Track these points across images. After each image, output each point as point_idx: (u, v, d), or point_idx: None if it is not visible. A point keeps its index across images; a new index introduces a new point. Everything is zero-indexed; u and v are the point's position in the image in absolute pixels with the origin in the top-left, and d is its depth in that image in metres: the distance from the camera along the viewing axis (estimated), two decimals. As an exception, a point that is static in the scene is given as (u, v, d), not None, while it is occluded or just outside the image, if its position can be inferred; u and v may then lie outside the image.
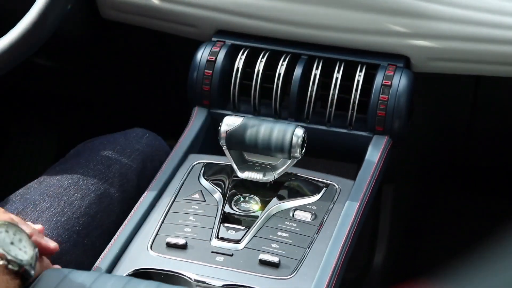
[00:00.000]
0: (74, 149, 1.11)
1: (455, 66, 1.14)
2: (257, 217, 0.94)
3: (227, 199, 0.97)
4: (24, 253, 0.72)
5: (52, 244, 0.83)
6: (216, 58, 1.14)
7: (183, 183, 1.01)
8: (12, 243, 0.71)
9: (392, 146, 1.09)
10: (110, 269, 0.89)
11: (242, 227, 0.93)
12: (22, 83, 1.53)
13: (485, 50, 1.11)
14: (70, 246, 0.93)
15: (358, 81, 1.10)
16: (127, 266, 0.89)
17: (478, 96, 1.22)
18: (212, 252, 0.90)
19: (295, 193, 0.99)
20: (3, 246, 0.69)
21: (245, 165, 1.00)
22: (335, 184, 1.00)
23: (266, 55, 1.14)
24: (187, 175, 1.02)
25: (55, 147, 1.62)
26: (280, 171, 0.99)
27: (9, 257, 0.69)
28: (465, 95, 1.23)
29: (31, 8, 1.03)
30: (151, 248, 0.91)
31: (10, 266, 0.69)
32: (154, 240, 0.92)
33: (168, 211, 0.96)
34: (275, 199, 0.97)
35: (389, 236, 1.41)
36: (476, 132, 1.30)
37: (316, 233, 0.93)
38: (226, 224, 0.94)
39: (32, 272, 0.71)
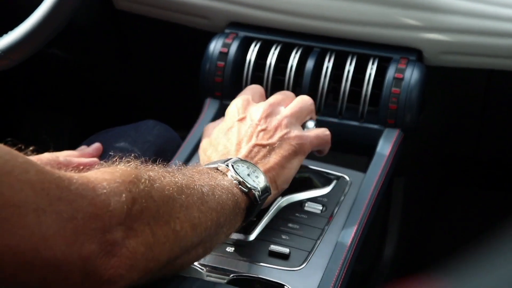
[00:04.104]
0: (86, 140, 1.11)
1: (467, 59, 1.14)
2: (268, 208, 0.95)
3: (238, 190, 0.98)
4: (256, 184, 0.84)
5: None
6: (228, 50, 1.14)
7: (195, 174, 1.01)
8: (248, 175, 0.84)
9: (404, 139, 1.09)
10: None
11: (253, 218, 0.93)
12: (36, 73, 1.54)
13: (498, 44, 1.11)
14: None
15: (370, 74, 1.10)
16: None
17: (490, 90, 1.22)
18: (223, 242, 0.90)
19: (306, 185, 0.99)
20: (240, 174, 0.83)
21: (257, 157, 1.00)
22: (346, 177, 1.01)
23: (279, 47, 1.14)
24: (199, 166, 1.02)
25: (68, 138, 1.63)
26: (291, 163, 0.99)
27: (241, 180, 0.82)
28: (477, 89, 1.22)
29: (45, -1, 1.03)
30: (162, 238, 0.92)
31: (240, 186, 0.82)
32: (165, 230, 0.93)
33: (179, 202, 0.97)
34: (285, 191, 0.97)
35: (399, 228, 1.41)
36: (488, 126, 1.29)
37: (327, 225, 0.93)
38: (237, 215, 0.94)
39: (260, 198, 0.84)
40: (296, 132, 0.93)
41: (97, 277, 0.63)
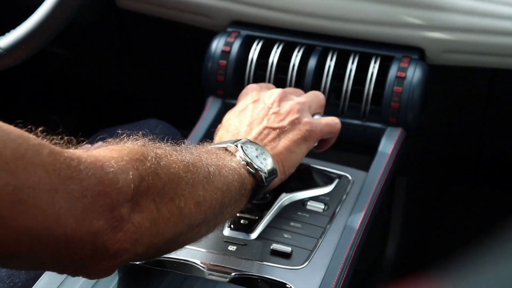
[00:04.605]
0: (89, 139, 1.12)
1: (470, 58, 1.14)
2: (270, 207, 0.95)
3: (240, 189, 0.98)
4: (263, 166, 0.84)
5: None
6: (230, 49, 1.14)
7: (197, 172, 1.01)
8: (257, 156, 0.84)
9: (406, 138, 1.09)
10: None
11: (255, 217, 0.93)
12: (37, 72, 1.54)
13: (501, 42, 1.11)
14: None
15: (372, 72, 1.10)
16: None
17: (493, 88, 1.22)
18: (225, 241, 0.90)
19: (308, 184, 0.99)
20: (248, 155, 0.84)
21: (259, 155, 1.01)
22: (348, 175, 1.01)
23: (281, 46, 1.14)
24: (201, 165, 1.02)
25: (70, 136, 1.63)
26: (293, 161, 0.99)
27: (249, 161, 0.83)
28: (480, 87, 1.22)
29: (48, -3, 1.03)
30: (164, 237, 0.92)
31: (248, 167, 0.83)
32: (167, 228, 0.93)
33: (181, 200, 0.97)
34: (288, 189, 0.97)
35: (401, 227, 1.41)
36: (491, 125, 1.29)
37: (329, 224, 0.93)
38: (239, 214, 0.94)
39: (266, 180, 0.85)
40: (306, 118, 0.94)
41: (104, 251, 0.65)
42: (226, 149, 0.85)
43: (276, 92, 0.97)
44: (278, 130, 0.92)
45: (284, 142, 0.91)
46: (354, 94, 1.11)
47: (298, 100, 0.96)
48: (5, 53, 1.02)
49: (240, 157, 0.83)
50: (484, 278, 0.43)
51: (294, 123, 0.93)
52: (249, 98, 0.97)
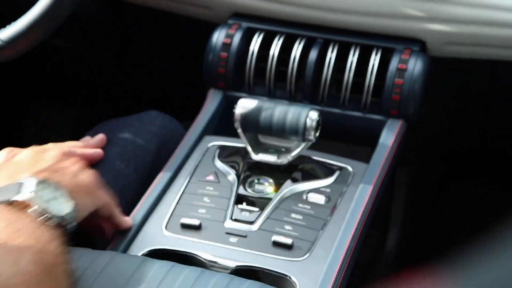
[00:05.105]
0: (90, 131, 1.12)
1: (471, 50, 1.14)
2: (271, 199, 0.95)
3: (241, 181, 0.98)
4: (63, 209, 0.76)
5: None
6: (231, 41, 1.14)
7: (198, 164, 1.02)
8: (52, 199, 0.75)
9: (407, 130, 1.09)
10: (125, 249, 0.90)
11: (256, 209, 0.94)
12: (39, 64, 1.54)
13: (502, 34, 1.10)
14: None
15: (373, 64, 1.10)
16: (142, 245, 0.90)
17: (494, 81, 1.22)
18: (226, 233, 0.91)
19: (309, 176, 0.99)
20: (43, 202, 0.74)
21: (260, 148, 1.01)
22: (349, 167, 1.01)
23: (282, 38, 1.14)
24: (202, 157, 1.03)
25: (72, 128, 1.63)
26: (294, 153, 0.99)
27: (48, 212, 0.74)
28: (481, 79, 1.22)
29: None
30: (166, 228, 0.92)
31: (50, 222, 0.73)
32: (169, 220, 0.93)
33: (183, 192, 0.97)
34: (289, 182, 0.97)
35: (402, 220, 1.42)
36: (492, 117, 1.29)
37: (330, 216, 0.93)
38: (240, 206, 0.94)
39: (73, 223, 0.76)
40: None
41: None
42: (12, 204, 0.73)
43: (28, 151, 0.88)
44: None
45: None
46: (355, 86, 1.11)
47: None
48: (6, 45, 1.02)
49: (39, 212, 0.73)
50: (485, 273, 0.44)
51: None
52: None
